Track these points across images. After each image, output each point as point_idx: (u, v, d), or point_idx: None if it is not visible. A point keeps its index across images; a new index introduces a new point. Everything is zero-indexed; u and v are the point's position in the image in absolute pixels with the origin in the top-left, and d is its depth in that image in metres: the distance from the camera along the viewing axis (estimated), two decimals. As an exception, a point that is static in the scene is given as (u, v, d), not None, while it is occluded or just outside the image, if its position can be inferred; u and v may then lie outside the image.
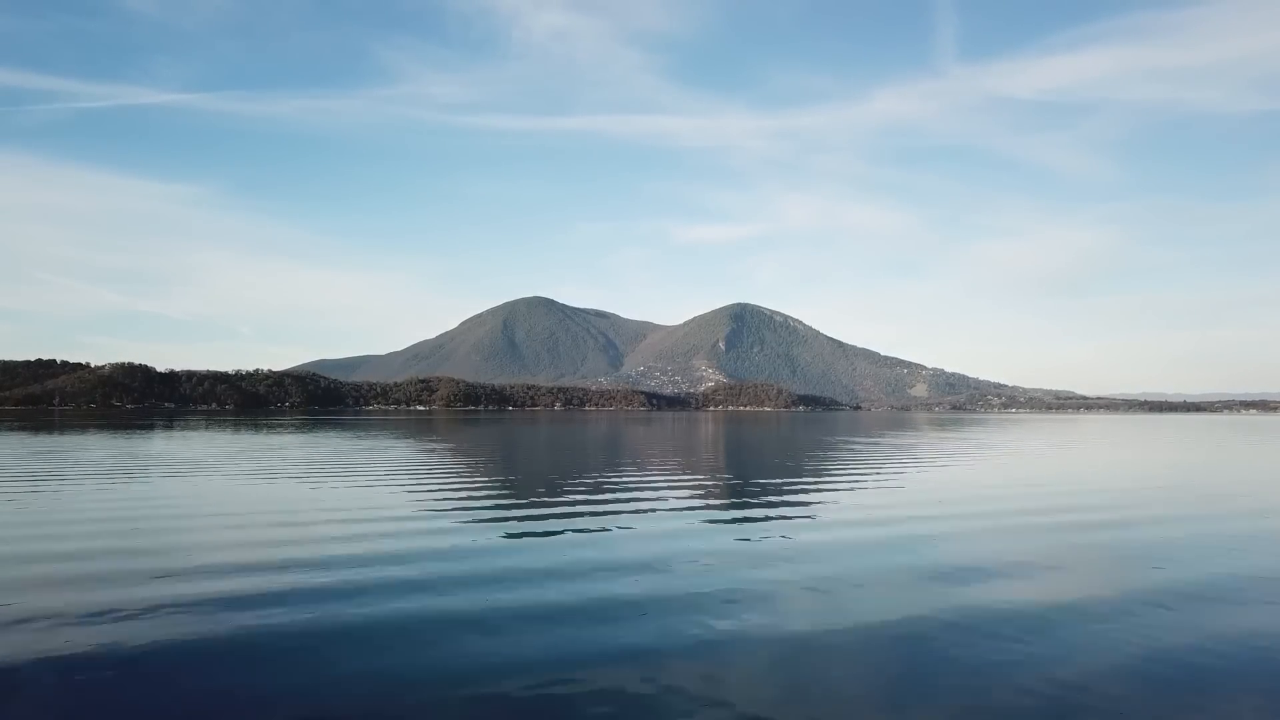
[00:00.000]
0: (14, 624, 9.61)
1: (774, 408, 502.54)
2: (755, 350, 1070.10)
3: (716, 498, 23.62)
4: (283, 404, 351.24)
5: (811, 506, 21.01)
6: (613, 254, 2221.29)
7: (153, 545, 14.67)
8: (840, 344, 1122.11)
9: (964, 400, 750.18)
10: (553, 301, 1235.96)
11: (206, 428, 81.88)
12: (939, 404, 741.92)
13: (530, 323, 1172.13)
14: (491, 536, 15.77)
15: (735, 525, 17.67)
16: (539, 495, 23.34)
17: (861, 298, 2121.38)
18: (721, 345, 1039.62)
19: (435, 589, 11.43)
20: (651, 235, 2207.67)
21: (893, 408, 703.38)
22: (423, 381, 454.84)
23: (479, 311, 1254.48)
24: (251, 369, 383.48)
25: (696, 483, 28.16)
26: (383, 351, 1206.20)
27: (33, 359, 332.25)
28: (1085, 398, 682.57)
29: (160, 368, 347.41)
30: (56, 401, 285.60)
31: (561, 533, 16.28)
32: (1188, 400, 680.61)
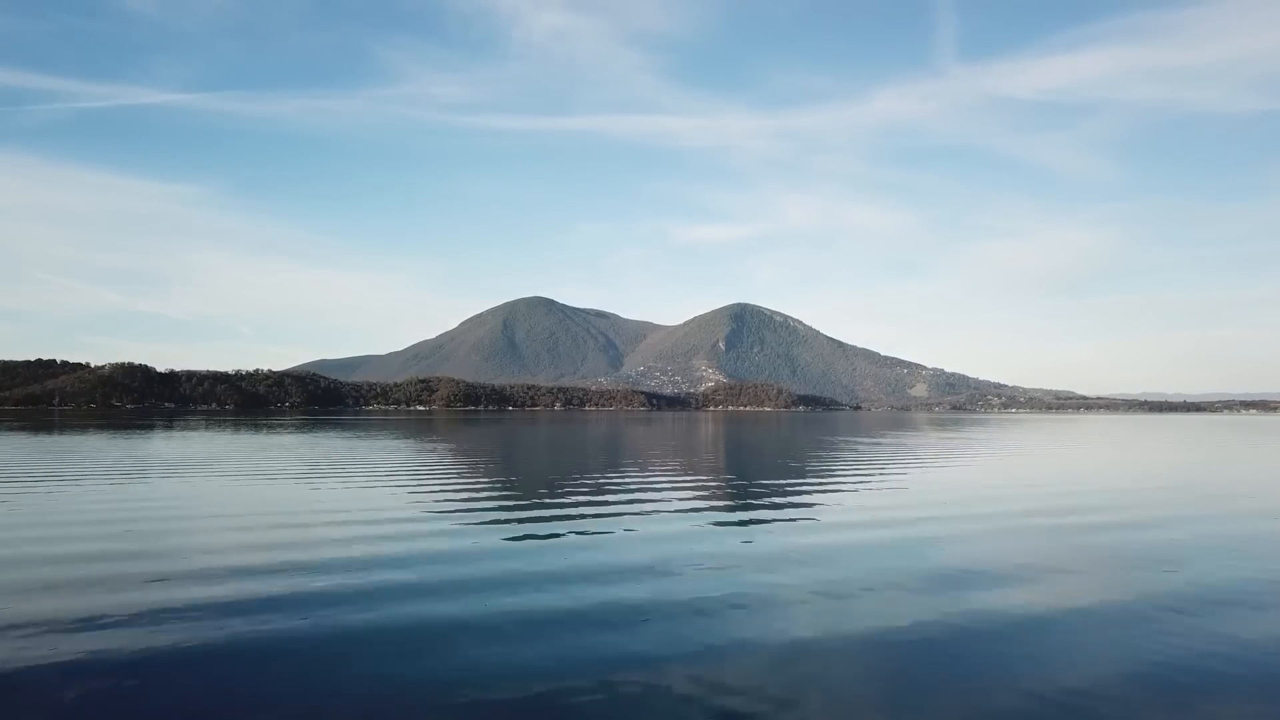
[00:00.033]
0: (6, 629, 9.47)
1: (774, 408, 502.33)
2: (755, 350, 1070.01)
3: (718, 499, 23.50)
4: (283, 404, 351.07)
5: (814, 508, 20.90)
6: (613, 254, 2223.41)
7: (149, 548, 14.54)
8: (840, 344, 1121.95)
9: (964, 400, 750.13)
10: (553, 301, 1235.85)
11: (206, 428, 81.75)
12: (939, 404, 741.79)
13: (530, 323, 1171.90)
14: (492, 539, 15.65)
15: (737, 527, 17.55)
16: (539, 497, 23.22)
17: (861, 298, 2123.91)
18: (721, 345, 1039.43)
19: (436, 593, 11.30)
20: (651, 235, 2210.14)
21: (893, 408, 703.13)
22: (423, 381, 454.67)
23: (479, 311, 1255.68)
24: (251, 369, 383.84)
25: (698, 484, 28.05)
26: (383, 351, 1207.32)
27: (33, 359, 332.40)
28: (1085, 398, 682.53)
29: (160, 368, 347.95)
30: (56, 401, 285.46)
31: (563, 535, 16.16)
32: (1188, 400, 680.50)
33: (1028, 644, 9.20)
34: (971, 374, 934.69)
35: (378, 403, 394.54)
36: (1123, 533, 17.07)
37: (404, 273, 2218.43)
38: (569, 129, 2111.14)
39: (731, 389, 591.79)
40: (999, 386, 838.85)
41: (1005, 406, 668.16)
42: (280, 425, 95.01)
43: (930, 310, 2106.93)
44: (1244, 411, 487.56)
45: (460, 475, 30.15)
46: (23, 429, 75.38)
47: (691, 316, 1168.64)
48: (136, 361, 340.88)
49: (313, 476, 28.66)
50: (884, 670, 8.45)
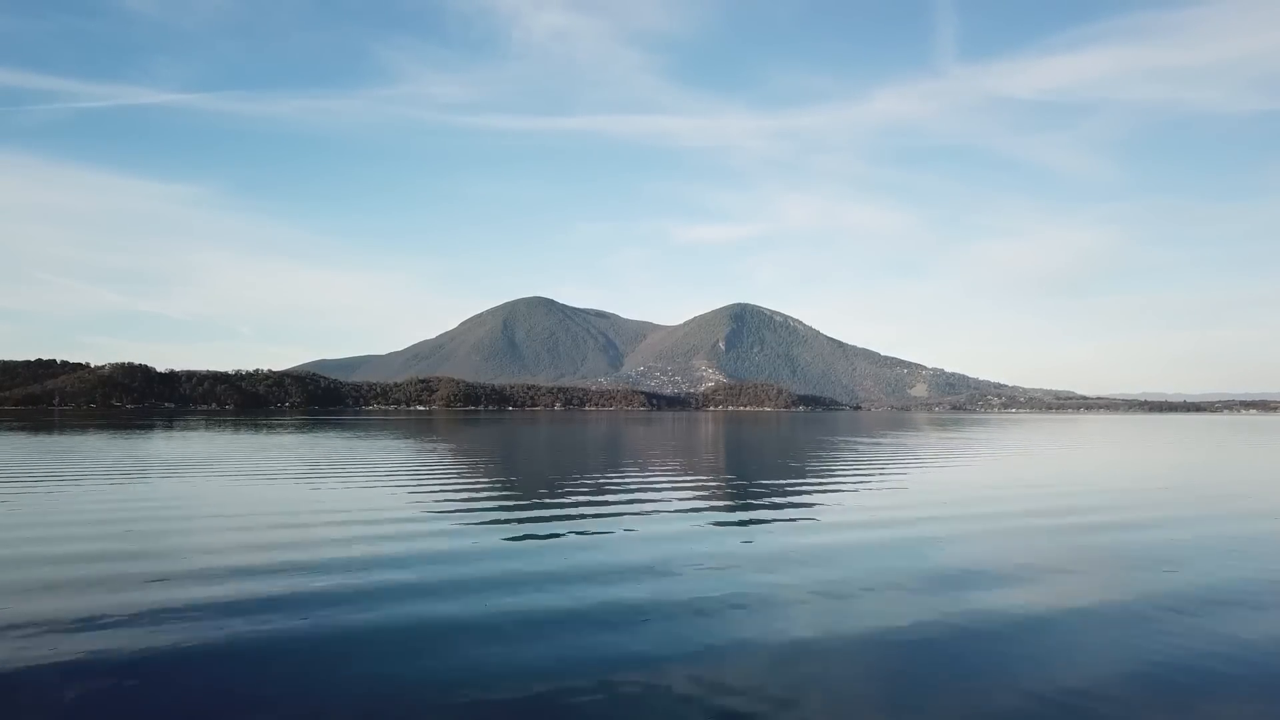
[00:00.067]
0: (5, 629, 9.42)
1: (774, 408, 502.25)
2: (755, 350, 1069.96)
3: (718, 499, 23.48)
4: (283, 404, 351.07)
5: (814, 508, 20.88)
6: (613, 254, 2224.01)
7: (148, 548, 14.52)
8: (840, 344, 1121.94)
9: (964, 400, 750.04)
10: (553, 301, 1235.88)
11: (206, 428, 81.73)
12: (939, 404, 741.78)
13: (530, 323, 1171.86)
14: (492, 539, 15.63)
15: (737, 527, 17.53)
16: (539, 497, 23.21)
17: (861, 298, 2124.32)
18: (721, 345, 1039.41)
19: (436, 593, 11.28)
20: (651, 235, 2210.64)
21: (893, 408, 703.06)
22: (423, 381, 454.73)
23: (479, 311, 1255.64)
24: (251, 369, 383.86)
25: (698, 484, 28.03)
26: (383, 351, 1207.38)
27: (33, 359, 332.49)
28: (1085, 398, 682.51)
29: (160, 368, 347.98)
30: (56, 401, 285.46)
31: (563, 535, 16.13)
32: (1188, 400, 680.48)
33: (1028, 644, 9.17)
34: (971, 374, 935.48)
35: (378, 403, 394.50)
36: (1123, 533, 17.05)
37: (404, 273, 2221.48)
38: (569, 129, 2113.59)
39: (731, 389, 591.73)
40: (999, 386, 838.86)
41: (1005, 406, 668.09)
42: (280, 425, 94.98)
43: (930, 310, 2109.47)
44: (1244, 411, 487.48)
45: (460, 475, 30.13)
46: (23, 429, 75.36)
47: (691, 316, 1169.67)
48: (136, 361, 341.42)
49: (312, 476, 28.64)
50: (884, 671, 8.41)
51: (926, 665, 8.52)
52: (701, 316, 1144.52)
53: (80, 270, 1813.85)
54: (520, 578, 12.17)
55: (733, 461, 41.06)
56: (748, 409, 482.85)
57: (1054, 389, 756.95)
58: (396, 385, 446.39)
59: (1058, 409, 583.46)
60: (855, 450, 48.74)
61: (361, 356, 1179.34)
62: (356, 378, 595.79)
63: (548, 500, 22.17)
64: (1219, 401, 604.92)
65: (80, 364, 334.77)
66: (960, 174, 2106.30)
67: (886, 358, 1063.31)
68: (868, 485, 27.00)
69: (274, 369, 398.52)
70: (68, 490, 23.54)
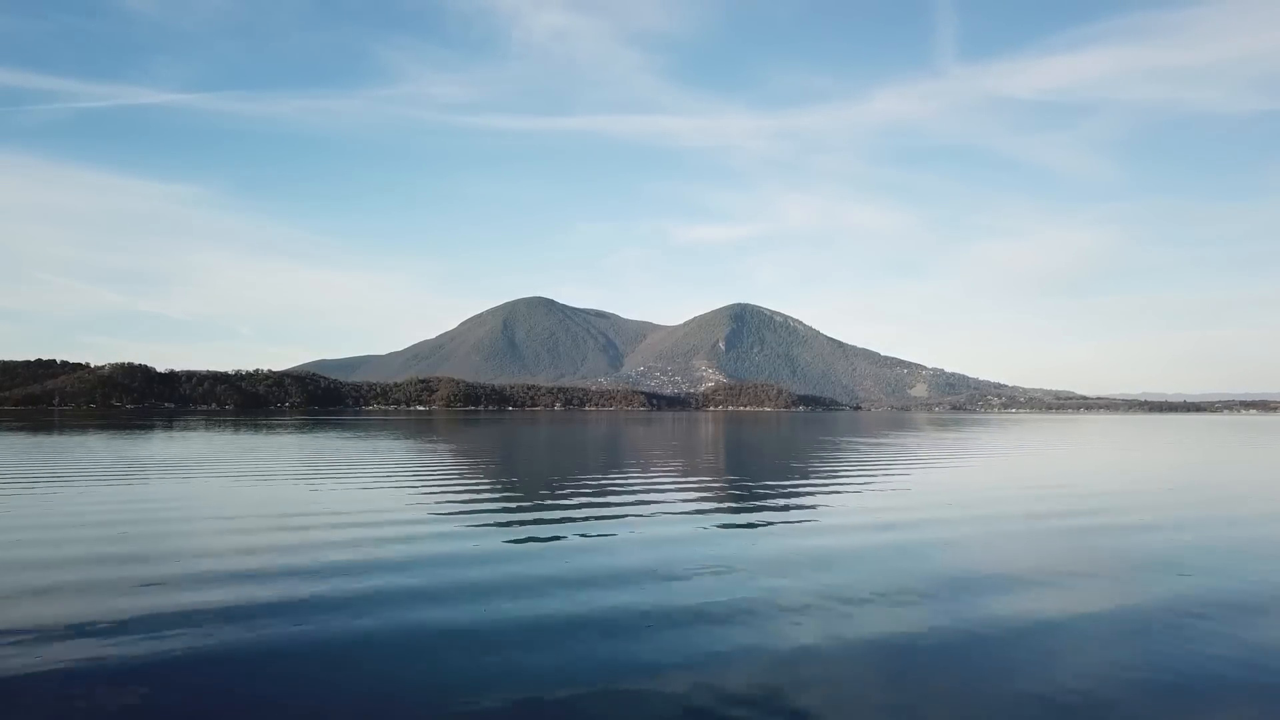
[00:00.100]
0: (-3, 636, 9.22)
1: (774, 408, 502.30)
2: (755, 350, 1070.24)
3: (720, 501, 23.30)
4: (283, 404, 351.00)
5: (818, 510, 20.70)
6: (613, 254, 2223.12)
7: (143, 551, 14.32)
8: (840, 344, 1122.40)
9: (964, 400, 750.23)
10: (553, 301, 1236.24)
11: (206, 428, 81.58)
12: (939, 404, 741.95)
13: (530, 323, 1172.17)
14: (494, 542, 15.46)
15: (741, 530, 17.36)
16: (541, 498, 23.03)
17: (861, 298, 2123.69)
18: (721, 345, 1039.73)
19: (436, 598, 11.10)
20: (651, 235, 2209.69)
21: (893, 408, 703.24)
22: (423, 382, 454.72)
23: (479, 311, 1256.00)
24: (251, 369, 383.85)
25: (700, 485, 27.86)
26: (383, 351, 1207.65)
27: (33, 359, 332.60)
28: (1085, 398, 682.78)
29: (160, 368, 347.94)
30: (56, 402, 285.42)
31: (565, 538, 15.95)
32: (1188, 400, 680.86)
33: (1037, 650, 8.97)
34: (971, 374, 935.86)
35: (378, 403, 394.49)
36: (1130, 535, 16.87)
37: (404, 273, 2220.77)
38: (569, 129, 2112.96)
39: (731, 389, 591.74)
40: (999, 386, 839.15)
41: (1005, 407, 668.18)
42: (280, 425, 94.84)
43: (930, 310, 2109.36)
44: (1244, 411, 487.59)
45: (460, 476, 29.96)
46: (22, 429, 75.20)
47: (691, 316, 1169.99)
48: (136, 361, 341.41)
49: (312, 477, 28.46)
50: (890, 678, 8.23)
51: (933, 671, 8.35)
52: (701, 316, 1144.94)
53: (80, 270, 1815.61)
54: (522, 581, 11.99)
55: (734, 462, 40.90)
56: (748, 409, 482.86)
57: (1054, 389, 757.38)
58: (396, 385, 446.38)
59: (1058, 409, 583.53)
60: (857, 451, 48.58)
61: (361, 356, 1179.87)
62: (356, 378, 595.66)
63: (549, 502, 21.99)
64: (1219, 401, 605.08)
65: (80, 364, 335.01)
66: (960, 174, 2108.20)
67: (886, 358, 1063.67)
68: (870, 486, 26.82)
69: (274, 369, 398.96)
70: (64, 491, 23.35)
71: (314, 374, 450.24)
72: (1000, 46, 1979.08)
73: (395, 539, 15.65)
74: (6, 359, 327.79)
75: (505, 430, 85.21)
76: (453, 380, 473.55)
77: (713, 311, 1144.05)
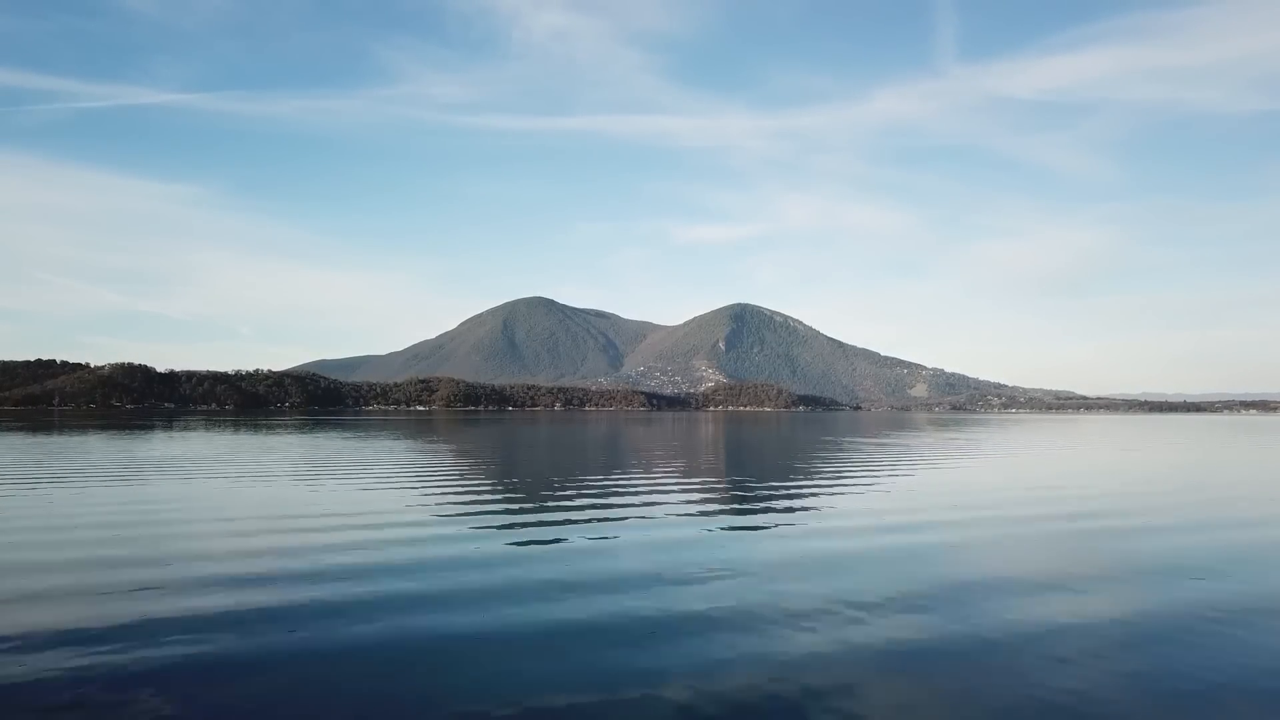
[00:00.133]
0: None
1: (774, 408, 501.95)
2: (755, 350, 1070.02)
3: (723, 503, 23.07)
4: (282, 404, 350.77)
5: (823, 512, 20.46)
6: (613, 254, 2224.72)
7: (137, 554, 14.07)
8: (840, 344, 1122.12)
9: (964, 400, 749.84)
10: (553, 301, 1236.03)
11: (205, 428, 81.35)
12: (939, 404, 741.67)
13: (530, 323, 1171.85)
14: (495, 545, 15.23)
15: (745, 533, 17.14)
16: (542, 500, 22.79)
17: (861, 298, 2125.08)
18: (721, 345, 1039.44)
19: (437, 603, 10.86)
20: (651, 235, 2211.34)
21: (893, 408, 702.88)
22: (423, 382, 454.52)
23: (479, 311, 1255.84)
24: (251, 369, 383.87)
25: (702, 486, 27.63)
26: (383, 351, 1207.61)
27: (33, 359, 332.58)
28: (1085, 398, 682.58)
29: (160, 368, 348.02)
30: (56, 402, 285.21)
31: (567, 540, 15.71)
32: (1188, 400, 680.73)
33: (1052, 658, 8.71)
34: (971, 374, 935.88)
35: (378, 403, 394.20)
36: (1140, 538, 16.64)
37: (404, 273, 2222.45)
38: (569, 129, 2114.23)
39: (731, 389, 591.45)
40: (999, 386, 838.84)
41: (1005, 407, 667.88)
42: (280, 426, 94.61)
43: (930, 310, 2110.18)
44: (1244, 411, 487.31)
45: (461, 478, 29.73)
46: (21, 429, 74.97)
47: (691, 316, 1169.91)
48: (136, 361, 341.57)
49: (311, 478, 28.23)
50: (900, 685, 8.00)
51: (943, 679, 8.12)
52: (701, 316, 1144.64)
53: (80, 270, 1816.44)
54: (524, 586, 11.77)
55: (736, 463, 40.67)
56: (748, 409, 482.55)
57: (1054, 389, 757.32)
58: (396, 385, 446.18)
59: (1058, 409, 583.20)
60: (859, 451, 48.35)
61: (361, 356, 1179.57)
62: (356, 378, 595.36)
63: (550, 504, 21.76)
64: (1219, 401, 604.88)
65: (80, 364, 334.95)
66: (960, 174, 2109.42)
67: (886, 358, 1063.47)
68: (873, 488, 26.58)
69: (274, 369, 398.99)
70: (60, 493, 23.11)
71: (314, 374, 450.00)
72: (1000, 46, 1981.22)
73: (395, 541, 15.42)
74: (6, 359, 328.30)
75: (505, 430, 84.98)
76: (453, 380, 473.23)
77: (713, 311, 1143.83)
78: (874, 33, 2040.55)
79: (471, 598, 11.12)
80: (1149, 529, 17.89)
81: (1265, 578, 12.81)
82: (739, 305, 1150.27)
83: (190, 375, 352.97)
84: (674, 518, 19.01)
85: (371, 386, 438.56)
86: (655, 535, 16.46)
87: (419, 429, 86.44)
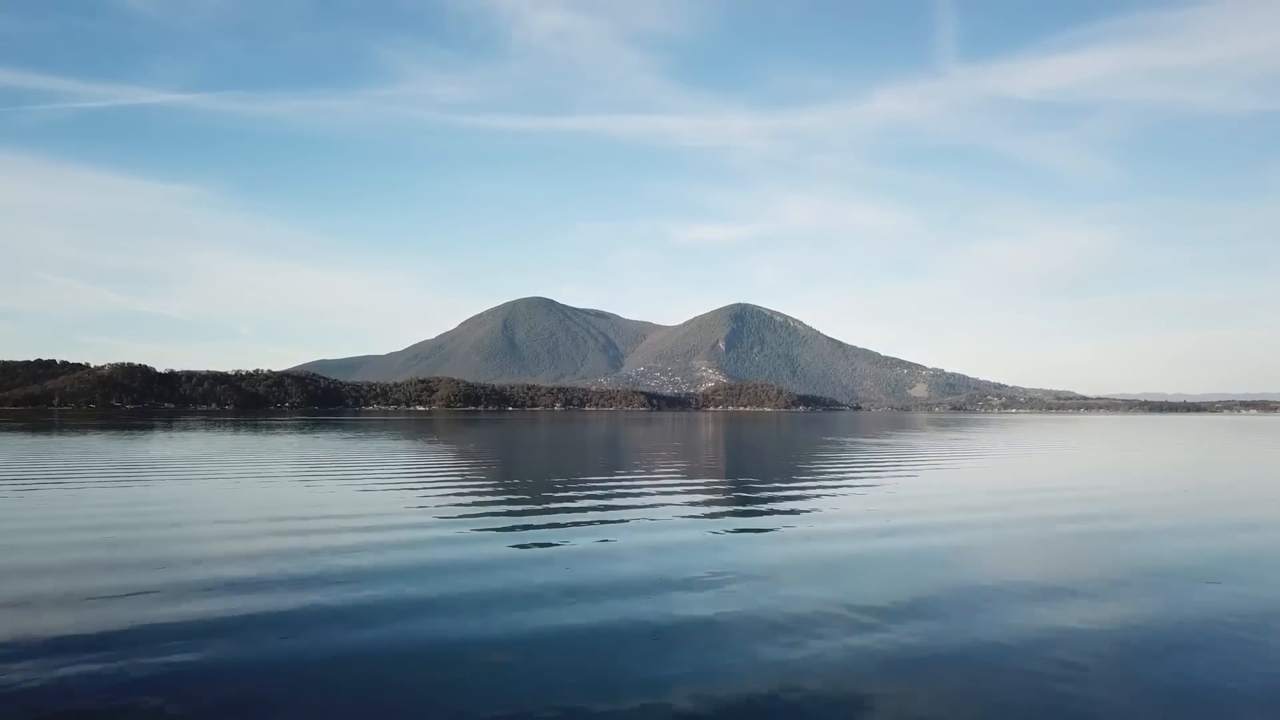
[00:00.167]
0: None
1: (774, 408, 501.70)
2: (755, 350, 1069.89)
3: (727, 505, 22.86)
4: (282, 404, 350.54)
5: (827, 514, 20.24)
6: (613, 254, 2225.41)
7: (132, 558, 13.82)
8: (840, 344, 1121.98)
9: (964, 400, 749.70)
10: (553, 302, 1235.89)
11: (205, 429, 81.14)
12: (939, 404, 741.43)
13: (530, 323, 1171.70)
14: (496, 548, 15.01)
15: (750, 535, 16.93)
16: (543, 502, 22.56)
17: (861, 298, 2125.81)
18: (721, 345, 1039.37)
19: (437, 608, 10.65)
20: (651, 235, 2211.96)
21: (893, 408, 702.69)
22: (423, 382, 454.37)
23: (479, 311, 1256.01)
24: (251, 369, 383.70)
25: (705, 488, 27.40)
26: (383, 352, 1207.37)
27: (32, 359, 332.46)
28: (1085, 398, 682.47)
29: (160, 368, 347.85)
30: (56, 402, 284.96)
31: (569, 543, 15.48)
32: (1188, 400, 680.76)
33: (1068, 665, 8.48)
34: (971, 374, 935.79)
35: (377, 403, 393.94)
36: (1153, 540, 16.42)
37: (404, 273, 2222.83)
38: (569, 129, 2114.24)
39: (731, 389, 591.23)
40: (999, 387, 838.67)
41: (1005, 407, 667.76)
42: (280, 426, 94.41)
43: (930, 310, 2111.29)
44: (1244, 411, 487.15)
45: (461, 478, 29.51)
46: (21, 429, 74.76)
47: (691, 316, 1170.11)
48: (136, 362, 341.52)
49: (310, 479, 28.00)
50: (909, 693, 7.78)
51: (952, 686, 7.91)
52: (701, 317, 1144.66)
53: (80, 270, 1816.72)
54: (526, 590, 11.55)
55: (738, 464, 40.46)
56: (748, 409, 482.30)
57: (1054, 389, 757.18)
58: (396, 385, 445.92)
59: (1058, 409, 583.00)
60: (861, 452, 48.14)
61: (361, 357, 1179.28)
62: (356, 378, 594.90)
63: (552, 505, 21.53)
64: (1219, 401, 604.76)
65: (80, 364, 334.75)
66: (960, 174, 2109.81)
67: (886, 358, 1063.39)
68: (877, 489, 26.36)
69: (274, 369, 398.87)
70: (57, 494, 22.89)
71: (314, 374, 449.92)
72: (1000, 46, 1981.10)
73: (395, 544, 15.20)
74: (6, 359, 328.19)
75: (505, 431, 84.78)
76: (453, 380, 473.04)
77: (713, 311, 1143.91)
78: (874, 33, 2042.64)
79: (472, 602, 10.90)
80: (1162, 532, 17.66)
81: (1277, 581, 12.56)
82: (739, 305, 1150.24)
83: (190, 375, 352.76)
84: (677, 520, 18.80)
85: (371, 386, 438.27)
86: (658, 538, 16.24)
87: (419, 429, 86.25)
